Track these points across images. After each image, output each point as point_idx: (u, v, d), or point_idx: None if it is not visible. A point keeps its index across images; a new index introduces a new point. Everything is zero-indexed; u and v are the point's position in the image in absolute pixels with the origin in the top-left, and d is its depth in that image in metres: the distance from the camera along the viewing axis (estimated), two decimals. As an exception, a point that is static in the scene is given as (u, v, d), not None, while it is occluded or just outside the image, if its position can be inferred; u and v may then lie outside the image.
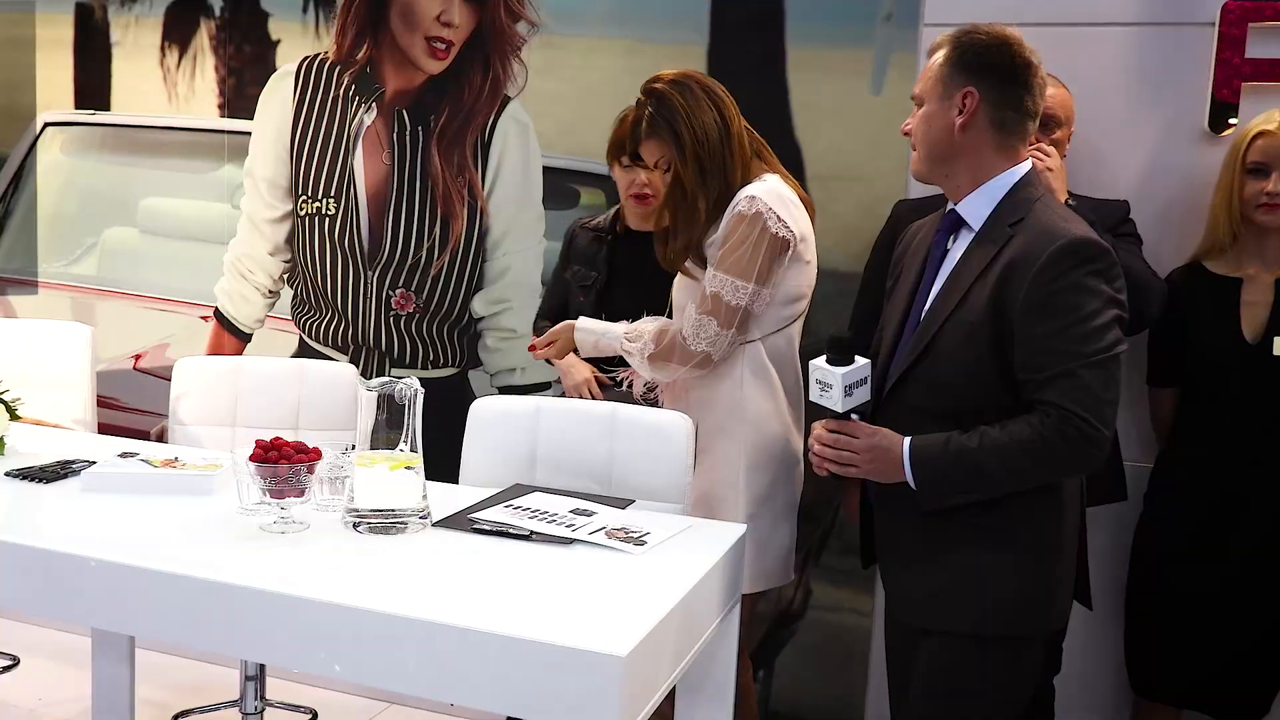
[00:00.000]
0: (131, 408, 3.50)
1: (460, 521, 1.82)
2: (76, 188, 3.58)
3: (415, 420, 1.76)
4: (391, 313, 3.22)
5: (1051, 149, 2.31)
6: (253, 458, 1.75)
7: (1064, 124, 2.36)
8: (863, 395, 1.82)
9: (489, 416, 2.22)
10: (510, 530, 1.78)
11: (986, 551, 1.77)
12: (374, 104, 3.18)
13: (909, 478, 1.77)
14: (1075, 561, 1.85)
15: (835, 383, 1.79)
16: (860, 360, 1.81)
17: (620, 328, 2.30)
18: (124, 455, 2.09)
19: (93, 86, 3.51)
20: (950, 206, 1.86)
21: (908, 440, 1.77)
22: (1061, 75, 2.39)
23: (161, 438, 3.24)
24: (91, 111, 3.52)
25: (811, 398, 1.85)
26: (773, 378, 2.24)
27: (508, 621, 1.43)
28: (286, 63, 3.28)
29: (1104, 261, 1.70)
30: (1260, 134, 2.24)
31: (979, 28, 1.82)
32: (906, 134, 1.88)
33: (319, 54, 3.24)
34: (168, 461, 2.05)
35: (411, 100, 3.14)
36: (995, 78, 1.79)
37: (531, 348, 2.45)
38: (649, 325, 2.26)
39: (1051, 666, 2.43)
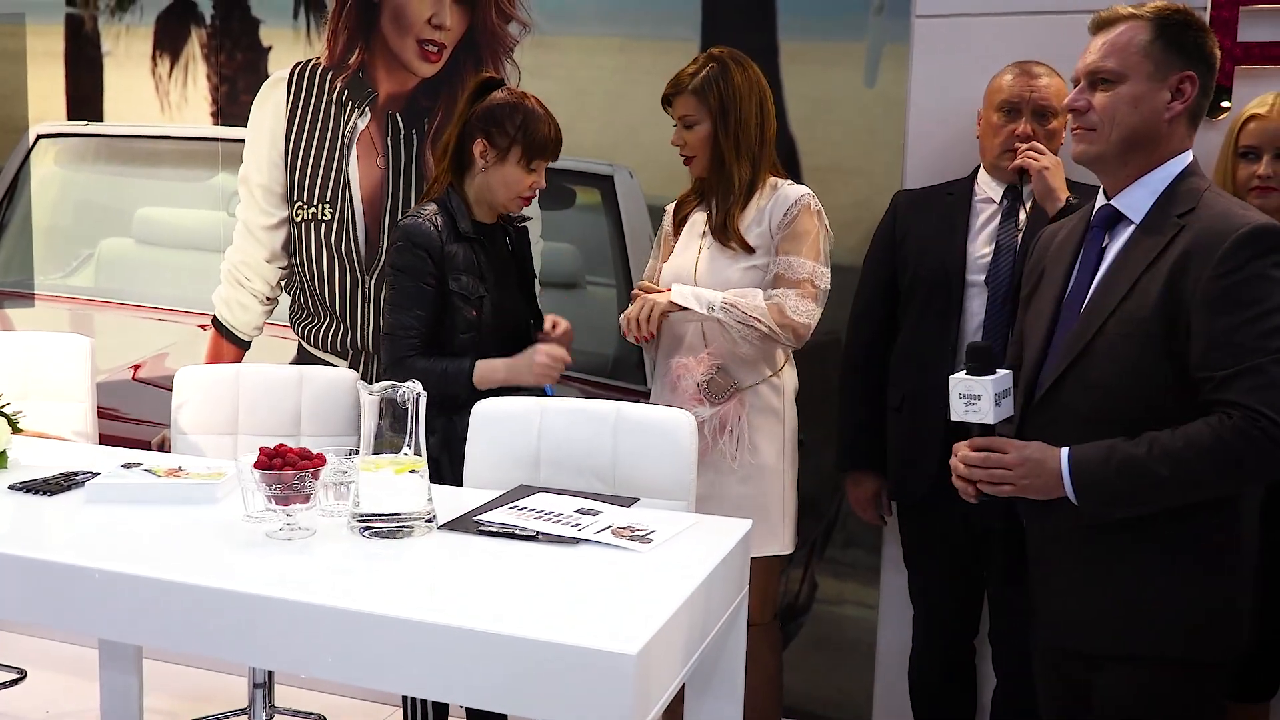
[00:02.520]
0: (132, 418, 3.50)
1: (466, 524, 1.82)
2: (71, 199, 3.57)
3: (418, 424, 1.76)
4: (390, 317, 3.21)
5: (1043, 148, 2.32)
6: (257, 465, 1.75)
7: (1059, 113, 2.37)
8: (1009, 407, 1.74)
9: (492, 417, 2.22)
10: (516, 531, 1.78)
11: (1163, 567, 1.63)
12: (367, 108, 3.18)
13: (1069, 491, 1.64)
14: (1253, 577, 1.71)
15: (985, 393, 1.70)
16: (1003, 370, 1.74)
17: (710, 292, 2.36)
18: (127, 465, 2.09)
19: (85, 97, 3.51)
20: (1104, 202, 1.75)
21: (1065, 451, 1.64)
22: (1055, 64, 2.39)
23: (163, 447, 3.23)
24: (84, 122, 3.52)
25: (954, 417, 1.76)
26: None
27: (516, 623, 1.43)
28: (279, 69, 3.28)
29: None
30: (1252, 117, 2.24)
31: (1171, 4, 1.69)
32: (1075, 110, 1.72)
33: (311, 59, 3.24)
34: (172, 471, 2.05)
35: (405, 104, 3.14)
36: (1207, 65, 1.68)
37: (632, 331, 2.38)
38: (752, 294, 2.35)
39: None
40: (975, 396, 1.72)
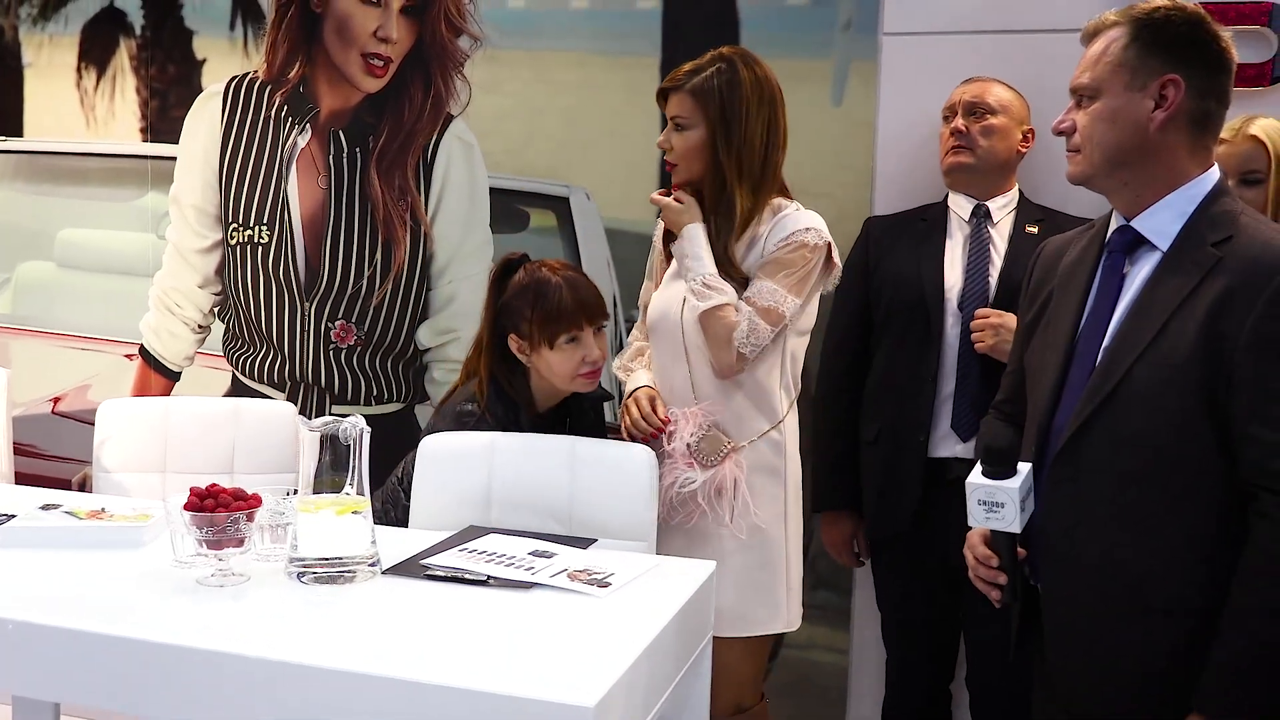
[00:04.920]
0: (51, 455, 3.43)
1: (412, 568, 1.81)
2: (-13, 220, 3.53)
3: (361, 461, 1.74)
4: (331, 346, 3.20)
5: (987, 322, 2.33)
6: (187, 506, 1.73)
7: (999, 112, 2.45)
8: (1032, 502, 1.65)
9: (440, 454, 2.21)
10: (466, 575, 1.77)
11: (1202, 642, 1.53)
12: (308, 125, 3.17)
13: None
14: None
15: (1010, 500, 1.59)
16: (1023, 466, 1.63)
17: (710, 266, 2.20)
18: (46, 507, 2.05)
19: (3, 111, 3.47)
20: (1121, 222, 1.68)
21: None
22: (1030, 84, 2.44)
23: (85, 486, 3.18)
24: (3, 138, 3.48)
25: (973, 524, 1.67)
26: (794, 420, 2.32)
27: (466, 673, 1.42)
28: (213, 83, 3.27)
29: None
30: (1220, 142, 2.28)
31: (1155, 2, 1.62)
32: (1061, 133, 1.68)
33: (248, 73, 3.23)
34: (94, 513, 2.02)
35: (348, 120, 3.14)
36: (1200, 62, 1.59)
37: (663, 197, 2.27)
38: (728, 291, 2.19)
39: None
40: (997, 504, 1.61)
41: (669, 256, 2.34)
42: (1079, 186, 1.71)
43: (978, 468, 1.65)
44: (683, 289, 2.24)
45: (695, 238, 2.21)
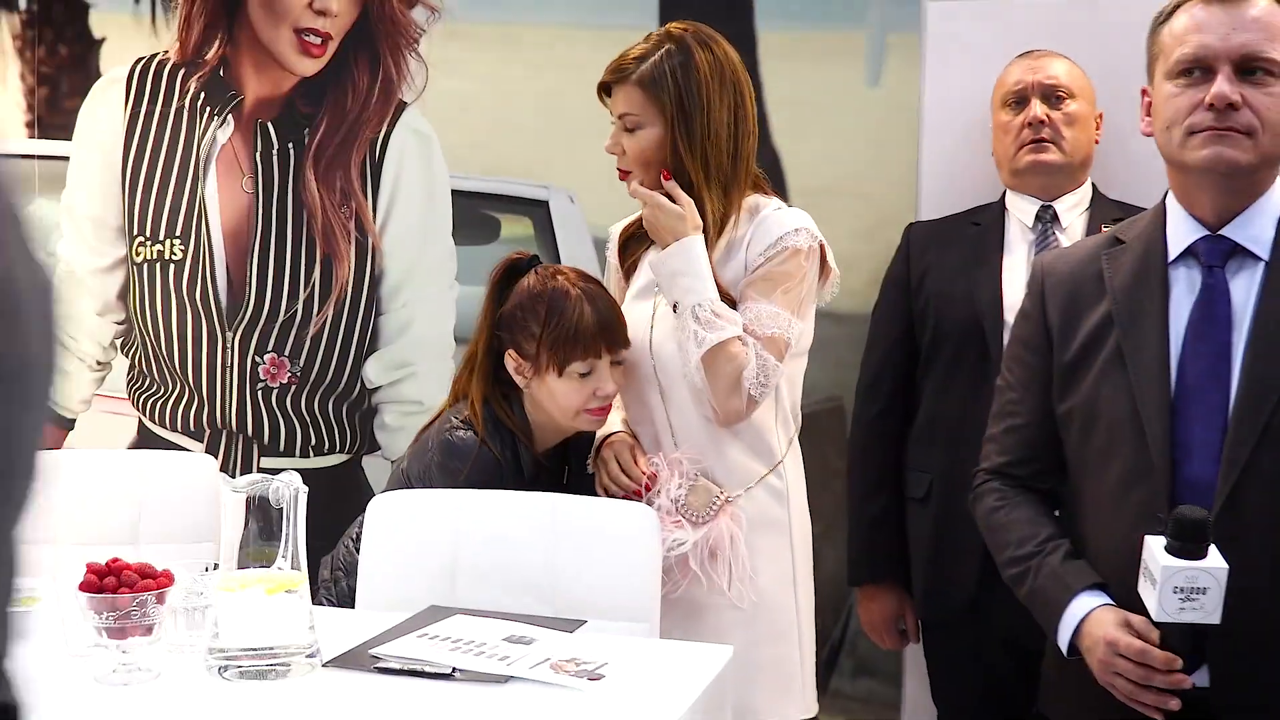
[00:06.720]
0: (-84, 523, 3.43)
1: (360, 658, 1.80)
2: None
3: (296, 528, 1.74)
4: (260, 385, 3.21)
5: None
6: (83, 586, 1.72)
7: (1076, 96, 2.48)
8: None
9: (393, 517, 2.20)
10: (426, 668, 1.76)
11: None
12: (230, 116, 3.19)
13: None
14: None
15: (1215, 585, 1.58)
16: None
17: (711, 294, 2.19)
18: (-90, 589, 2.05)
19: None
20: (1200, 230, 1.76)
21: None
22: (1086, 60, 2.49)
23: (-42, 561, 3.18)
24: None
25: (1161, 617, 1.63)
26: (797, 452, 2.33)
27: (427, 789, 1.42)
28: (114, 66, 3.29)
29: None
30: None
31: None
32: (1231, 105, 1.70)
33: (156, 54, 3.25)
34: (-31, 595, 2.02)
35: (279, 110, 3.16)
36: None
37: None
38: (737, 320, 2.18)
39: None
40: (1199, 591, 1.58)
41: (625, 271, 2.36)
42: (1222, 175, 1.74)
43: (1157, 547, 1.62)
44: (648, 310, 2.26)
45: (693, 252, 2.19)
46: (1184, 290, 1.75)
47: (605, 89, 2.29)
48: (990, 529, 1.94)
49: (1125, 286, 1.79)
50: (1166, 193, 1.83)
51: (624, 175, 2.29)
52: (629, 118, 2.24)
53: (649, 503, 2.22)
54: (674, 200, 2.21)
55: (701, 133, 2.20)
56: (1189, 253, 1.75)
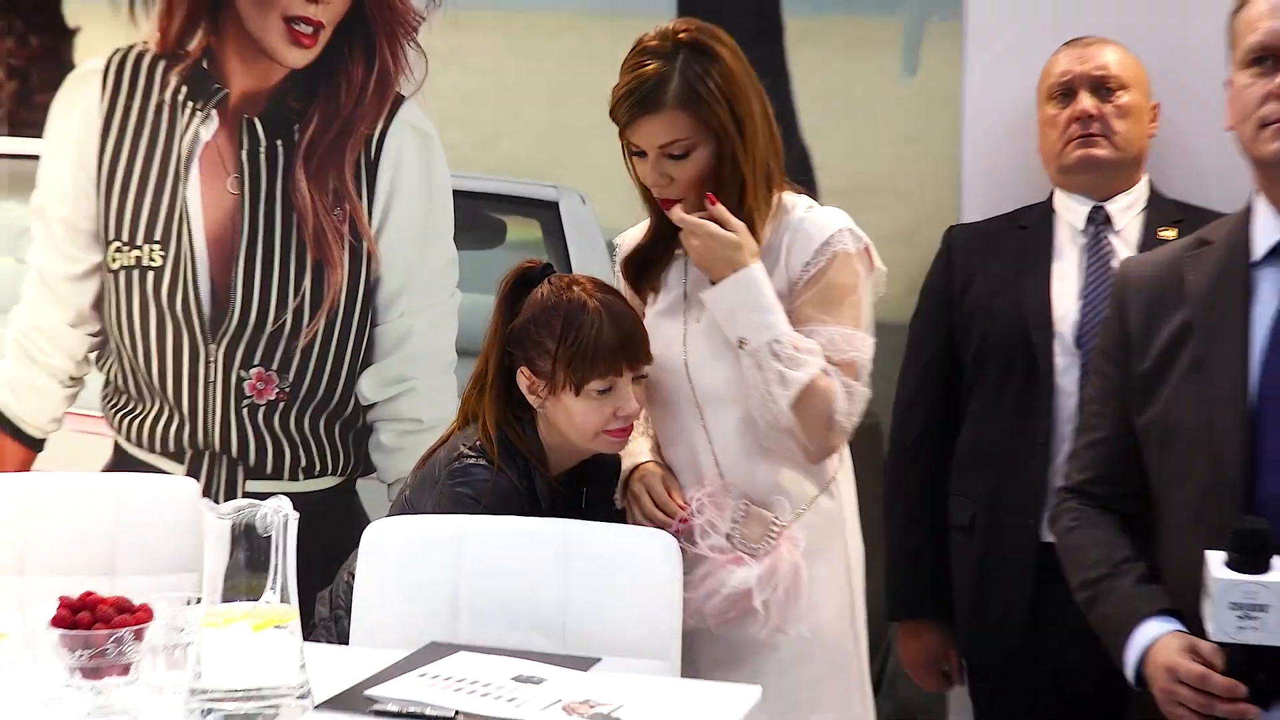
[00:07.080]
0: (-125, 550, 3.41)
1: (355, 700, 1.80)
2: None
3: (286, 558, 1.73)
4: (246, 402, 3.20)
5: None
6: (54, 622, 1.72)
7: (1129, 86, 2.47)
8: None
9: (391, 546, 2.21)
10: (427, 710, 1.75)
11: None
12: (214, 112, 3.19)
13: None
14: None
15: (1275, 602, 1.59)
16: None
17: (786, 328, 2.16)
18: None
19: None
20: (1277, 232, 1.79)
21: None
22: (1160, 44, 2.49)
23: (-81, 592, 3.16)
24: None
25: (1218, 636, 1.64)
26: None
27: None
28: (90, 58, 3.29)
29: None
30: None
31: None
32: None
33: (135, 45, 3.25)
34: (-74, 631, 2.00)
35: (267, 105, 3.16)
36: None
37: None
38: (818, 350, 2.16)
39: None
40: (1261, 608, 1.59)
41: (639, 290, 2.33)
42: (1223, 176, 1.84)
43: (1216, 561, 1.62)
44: (678, 328, 2.26)
45: (757, 284, 2.14)
46: (1269, 293, 1.75)
47: (630, 123, 2.19)
48: (1065, 550, 1.95)
49: (1205, 290, 1.79)
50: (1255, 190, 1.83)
51: (669, 204, 2.22)
52: (677, 144, 2.17)
53: (693, 543, 2.19)
54: (725, 226, 2.15)
55: (751, 138, 2.18)
56: (1275, 253, 1.76)
